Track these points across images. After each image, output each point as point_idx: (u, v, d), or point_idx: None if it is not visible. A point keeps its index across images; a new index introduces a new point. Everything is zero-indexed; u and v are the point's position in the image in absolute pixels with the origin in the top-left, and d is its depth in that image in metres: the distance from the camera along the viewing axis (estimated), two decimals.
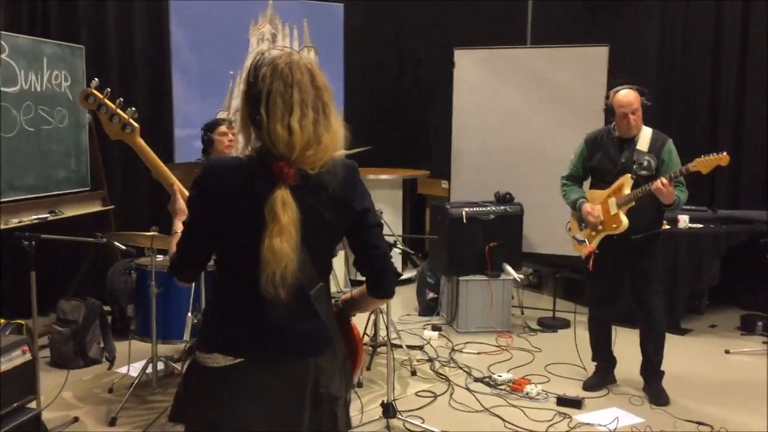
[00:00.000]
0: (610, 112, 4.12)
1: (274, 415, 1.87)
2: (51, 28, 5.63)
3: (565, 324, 5.61)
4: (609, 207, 4.05)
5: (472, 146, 6.01)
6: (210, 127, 4.54)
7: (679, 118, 6.33)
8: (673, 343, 5.15)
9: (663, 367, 4.23)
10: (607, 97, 4.13)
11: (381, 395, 4.17)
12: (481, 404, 4.06)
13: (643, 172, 3.98)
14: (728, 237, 5.57)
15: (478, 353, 4.97)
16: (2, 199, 4.58)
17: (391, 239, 4.35)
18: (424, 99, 7.42)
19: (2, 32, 4.63)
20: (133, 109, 2.14)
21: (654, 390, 4.17)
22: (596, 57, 5.62)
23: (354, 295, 2.11)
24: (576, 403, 4.04)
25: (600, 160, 4.17)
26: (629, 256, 4.12)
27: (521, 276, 5.54)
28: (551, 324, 5.61)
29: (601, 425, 3.79)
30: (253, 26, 5.92)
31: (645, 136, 4.04)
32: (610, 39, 6.29)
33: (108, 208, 5.48)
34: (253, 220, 1.77)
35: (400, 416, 3.77)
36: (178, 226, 2.02)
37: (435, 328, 5.44)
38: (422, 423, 3.79)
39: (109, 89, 2.11)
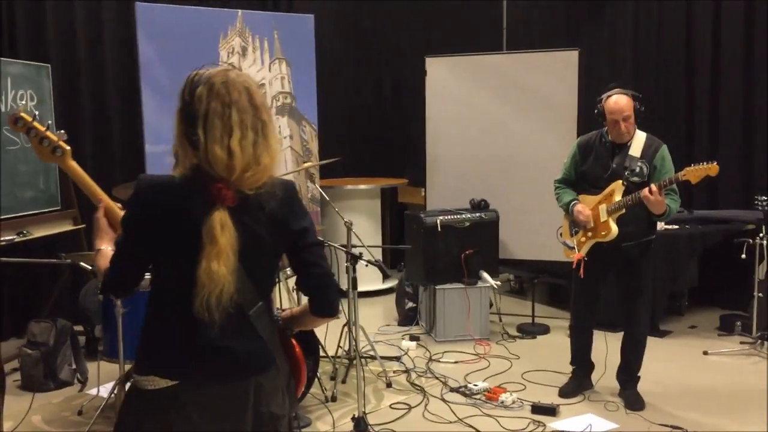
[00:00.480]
0: (600, 116, 3.98)
1: None
2: (19, 46, 5.60)
3: (544, 330, 5.60)
4: (599, 213, 3.97)
5: (447, 154, 5.99)
6: None
7: (654, 119, 6.32)
8: (651, 346, 5.06)
9: (640, 372, 4.19)
10: (599, 102, 3.98)
11: (354, 409, 4.13)
12: (455, 415, 4.02)
13: (635, 179, 3.88)
14: (704, 237, 5.57)
15: (455, 362, 4.93)
16: None
17: (358, 251, 4.34)
18: (401, 107, 7.39)
19: None
20: (62, 131, 2.12)
21: (629, 395, 4.14)
22: (568, 61, 5.61)
23: (295, 313, 2.08)
24: (550, 411, 4.01)
25: (591, 165, 4.08)
26: (619, 265, 4.07)
27: (498, 283, 5.50)
28: (530, 330, 5.58)
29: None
30: (223, 39, 5.87)
31: (638, 141, 3.94)
32: (587, 41, 6.31)
33: (79, 227, 5.42)
34: (189, 241, 1.74)
35: (371, 430, 3.72)
36: (99, 244, 2.00)
37: (413, 338, 5.40)
38: None
39: (36, 112, 2.09)
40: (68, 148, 2.10)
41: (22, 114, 2.08)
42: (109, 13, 6.01)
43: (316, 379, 4.24)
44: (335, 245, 4.01)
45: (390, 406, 4.18)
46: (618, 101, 3.85)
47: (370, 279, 6.61)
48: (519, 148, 5.78)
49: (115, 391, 3.96)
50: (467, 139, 5.91)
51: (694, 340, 5.36)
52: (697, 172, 3.63)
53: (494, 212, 5.64)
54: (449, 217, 5.48)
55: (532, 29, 7.17)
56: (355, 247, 4.50)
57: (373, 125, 7.70)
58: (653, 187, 3.67)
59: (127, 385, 2.32)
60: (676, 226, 5.58)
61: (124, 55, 5.96)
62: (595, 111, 3.99)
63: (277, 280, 2.01)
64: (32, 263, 4.16)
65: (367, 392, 4.41)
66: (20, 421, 3.83)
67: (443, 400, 4.24)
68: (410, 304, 5.87)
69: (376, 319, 6.03)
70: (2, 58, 4.98)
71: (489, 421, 3.93)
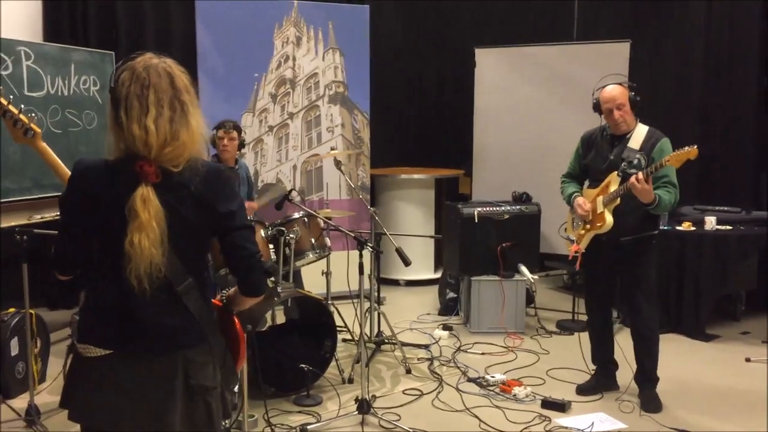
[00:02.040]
0: (597, 109, 4.00)
1: (143, 406, 1.96)
2: (90, 36, 6.00)
3: (583, 327, 5.45)
4: (596, 206, 3.95)
5: (494, 145, 5.97)
6: (216, 127, 4.68)
7: (725, 114, 6.09)
8: (694, 349, 5.03)
9: (675, 373, 4.15)
10: (594, 95, 3.99)
11: (372, 390, 4.23)
12: (463, 404, 4.04)
13: (632, 170, 3.79)
14: (757, 239, 5.30)
15: (482, 354, 4.94)
16: (30, 197, 4.90)
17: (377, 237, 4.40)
18: (455, 98, 7.35)
19: (28, 41, 4.96)
20: (33, 115, 2.29)
21: (646, 396, 4.04)
22: (618, 52, 5.46)
23: (230, 294, 2.19)
24: (560, 407, 3.97)
25: (593, 158, 4.07)
26: (620, 261, 4.01)
27: (535, 277, 5.45)
28: (569, 327, 5.49)
29: (577, 429, 3.71)
30: (278, 29, 6.06)
31: (639, 133, 3.90)
32: (651, 32, 6.08)
33: None
34: (117, 218, 1.87)
35: (374, 413, 3.80)
36: None
37: (446, 327, 5.42)
38: (397, 420, 3.81)
39: (11, 96, 2.27)
40: (39, 130, 2.27)
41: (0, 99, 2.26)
42: (174, 5, 6.31)
43: (334, 361, 4.37)
44: (347, 231, 4.08)
45: (403, 392, 4.25)
46: (611, 90, 3.86)
47: (421, 268, 6.69)
48: (566, 141, 5.64)
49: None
50: (514, 130, 5.87)
51: (742, 346, 5.13)
52: (678, 157, 3.54)
53: (536, 206, 5.58)
54: (488, 208, 5.46)
55: (598, 21, 6.98)
56: (390, 235, 4.56)
57: (427, 115, 7.69)
58: (639, 174, 3.61)
59: None
60: (729, 227, 5.35)
61: (184, 45, 6.21)
62: (593, 104, 3.98)
63: (211, 260, 2.08)
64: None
65: (385, 377, 4.51)
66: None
67: (457, 389, 4.27)
68: (451, 295, 5.89)
69: (418, 308, 6.09)
70: (67, 46, 5.35)
71: (496, 413, 3.93)
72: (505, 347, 5.05)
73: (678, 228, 5.42)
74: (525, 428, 3.73)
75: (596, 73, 5.49)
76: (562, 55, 5.71)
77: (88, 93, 5.42)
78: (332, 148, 6.14)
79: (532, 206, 5.57)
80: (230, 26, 5.85)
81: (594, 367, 4.32)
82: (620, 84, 3.93)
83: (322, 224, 4.57)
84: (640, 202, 3.74)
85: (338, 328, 4.64)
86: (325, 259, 4.72)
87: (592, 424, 3.73)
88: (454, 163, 7.13)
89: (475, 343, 5.14)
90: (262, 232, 4.18)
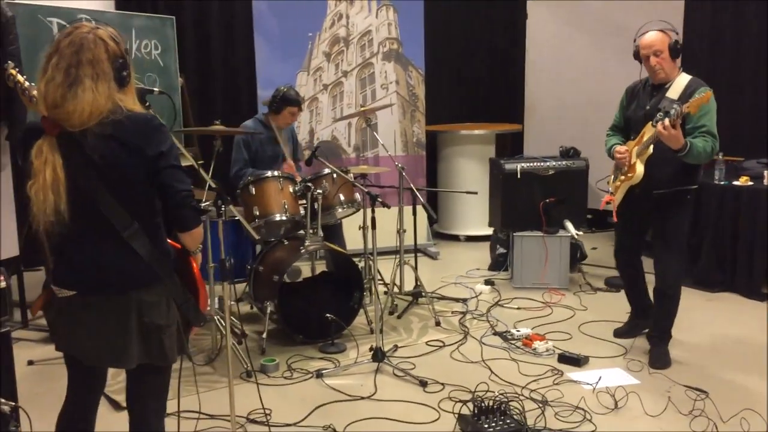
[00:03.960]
0: (637, 57, 3.92)
1: (102, 341, 2.22)
2: (158, 1, 6.32)
3: None
4: (631, 156, 3.90)
5: (546, 99, 5.88)
6: (287, 101, 4.82)
7: None
8: (745, 309, 4.85)
9: (718, 329, 4.30)
10: (635, 42, 3.91)
11: (396, 340, 4.39)
12: (480, 356, 4.13)
13: (668, 121, 3.64)
14: None
15: (518, 308, 4.97)
16: None
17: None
18: (510, 52, 7.22)
19: (90, 9, 5.31)
20: (32, 84, 2.54)
21: (654, 353, 4.01)
22: (672, 7, 5.21)
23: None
24: (576, 361, 3.98)
25: (634, 109, 4.02)
26: (652, 214, 3.95)
27: (580, 233, 5.39)
28: (617, 284, 5.37)
29: (586, 382, 3.72)
30: None
31: (679, 83, 3.79)
32: None
33: (199, 162, 6.07)
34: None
35: (388, 361, 3.96)
36: None
37: (488, 282, 5.48)
38: (411, 369, 3.95)
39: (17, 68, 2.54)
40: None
41: (10, 70, 2.53)
42: None
43: (363, 311, 4.54)
44: (360, 186, 4.19)
45: (426, 343, 4.37)
46: (649, 36, 3.78)
47: (482, 224, 6.71)
48: (618, 95, 5.48)
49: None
50: (566, 84, 5.77)
51: None
52: (695, 102, 3.50)
53: (584, 161, 5.48)
54: (532, 164, 5.42)
55: None
56: (416, 190, 4.66)
57: (482, 70, 7.58)
58: (666, 121, 3.50)
59: None
60: None
61: (243, 8, 6.41)
62: (633, 52, 3.90)
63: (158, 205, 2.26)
64: None
65: (414, 328, 4.65)
66: None
67: (481, 342, 4.35)
68: (501, 250, 5.91)
69: (471, 263, 6.16)
70: (127, 12, 5.69)
71: (510, 365, 3.99)
72: (543, 302, 5.06)
73: (735, 183, 5.20)
74: (533, 381, 3.77)
75: (651, 26, 5.33)
76: (616, 6, 5.50)
77: (149, 56, 5.75)
78: (390, 104, 6.22)
79: (580, 161, 5.48)
80: None
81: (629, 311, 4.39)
82: (661, 30, 3.80)
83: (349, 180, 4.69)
84: (674, 154, 3.64)
85: (375, 281, 4.85)
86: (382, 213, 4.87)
87: (600, 378, 3.72)
88: (512, 117, 7.05)
89: (515, 298, 5.18)
90: (291, 188, 4.37)
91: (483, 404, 3.24)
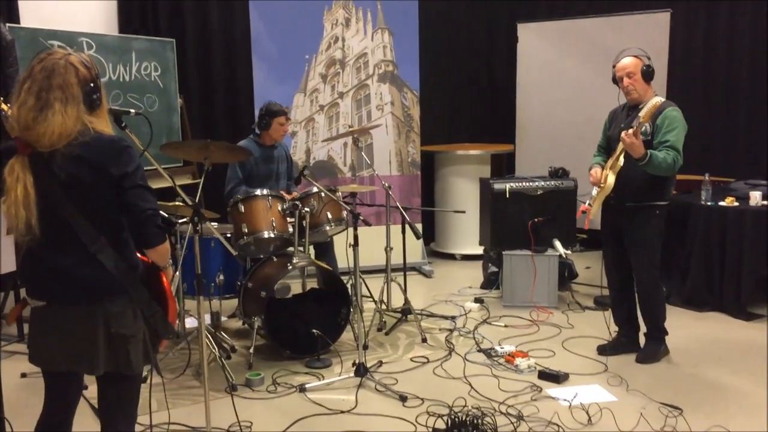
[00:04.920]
0: (614, 80, 4.23)
1: (72, 349, 2.32)
2: (161, 24, 6.49)
3: None
4: (606, 171, 4.14)
5: (536, 120, 5.97)
6: (273, 114, 5.00)
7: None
8: (729, 327, 4.91)
9: (703, 348, 4.52)
10: (613, 66, 4.22)
11: (381, 356, 4.47)
12: (463, 372, 4.19)
13: (630, 130, 3.95)
14: None
15: (505, 326, 5.03)
16: None
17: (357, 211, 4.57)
18: (507, 73, 7.32)
19: (90, 33, 5.48)
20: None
21: (645, 349, 4.33)
22: (658, 23, 5.33)
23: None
24: (555, 378, 4.03)
25: (613, 129, 4.29)
26: (623, 224, 4.22)
27: (568, 252, 5.45)
28: (605, 302, 5.43)
29: (563, 399, 3.78)
30: (327, 12, 6.31)
31: (651, 103, 4.00)
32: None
33: (197, 181, 6.21)
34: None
35: (370, 377, 4.03)
36: None
37: (477, 300, 5.54)
38: (393, 384, 4.02)
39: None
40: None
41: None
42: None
43: (350, 327, 4.62)
44: (344, 204, 4.29)
45: (411, 359, 4.44)
46: (623, 60, 4.11)
47: (473, 242, 6.78)
48: (606, 116, 5.60)
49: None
50: (556, 105, 5.86)
51: None
52: (647, 112, 3.87)
53: (573, 181, 5.56)
54: (521, 183, 5.50)
55: None
56: (406, 209, 4.76)
57: (476, 91, 7.68)
58: (629, 130, 3.82)
59: None
60: None
61: (243, 31, 6.57)
62: (612, 77, 4.21)
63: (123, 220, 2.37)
64: None
65: (400, 345, 4.72)
66: None
67: (465, 358, 4.41)
68: (492, 269, 5.98)
69: (463, 281, 6.23)
70: (127, 35, 5.86)
71: (491, 382, 4.05)
72: (530, 320, 5.12)
73: (720, 203, 5.25)
74: (512, 396, 3.83)
75: (636, 44, 5.42)
76: (603, 28, 5.62)
77: (149, 78, 5.92)
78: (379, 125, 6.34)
79: (569, 181, 5.56)
80: (281, 11, 6.16)
81: (616, 329, 4.53)
82: (635, 56, 4.12)
83: (338, 199, 4.80)
84: (642, 170, 3.93)
85: (364, 298, 4.94)
86: (385, 233, 5.02)
87: (576, 394, 3.78)
88: (506, 138, 7.14)
89: (503, 316, 5.24)
90: (279, 206, 4.48)
91: (457, 419, 3.31)
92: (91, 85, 2.28)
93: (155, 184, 5.56)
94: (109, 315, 2.31)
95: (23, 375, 4.08)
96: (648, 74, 4.07)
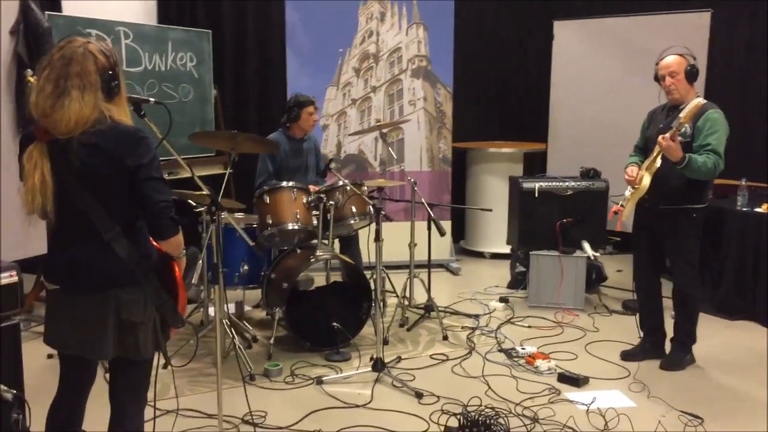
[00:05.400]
0: (656, 78, 4.11)
1: (82, 333, 2.36)
2: (198, 16, 6.55)
3: None
4: (641, 171, 4.06)
5: (570, 120, 5.90)
6: (301, 104, 5.04)
7: None
8: (760, 336, 4.87)
9: (731, 357, 4.41)
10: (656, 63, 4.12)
11: (401, 352, 4.46)
12: (482, 371, 4.16)
13: (679, 138, 3.86)
14: None
15: (528, 327, 4.98)
16: None
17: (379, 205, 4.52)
18: (537, 72, 7.23)
19: (128, 22, 5.55)
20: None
21: (671, 356, 4.25)
22: (698, 23, 5.20)
23: None
24: (575, 381, 3.98)
25: (651, 129, 4.20)
26: (662, 229, 4.12)
27: (596, 254, 5.37)
28: (633, 307, 5.33)
29: (581, 403, 3.72)
30: (362, 6, 6.30)
31: (693, 104, 3.89)
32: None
33: (228, 171, 6.26)
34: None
35: (387, 372, 4.02)
36: None
37: (502, 299, 5.50)
38: (410, 380, 4.01)
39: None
40: None
41: (29, 78, 2.71)
42: None
43: (370, 322, 4.62)
44: (367, 199, 4.27)
45: (430, 356, 4.43)
46: (667, 58, 4.00)
47: (503, 241, 6.73)
48: (643, 116, 5.48)
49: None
50: (591, 105, 5.77)
51: None
52: (687, 113, 3.75)
53: (604, 182, 5.47)
54: (551, 183, 5.44)
55: None
56: (431, 205, 4.74)
57: (510, 89, 7.59)
58: (666, 134, 3.73)
59: None
60: None
61: (278, 23, 6.59)
62: (654, 75, 4.10)
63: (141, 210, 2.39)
64: None
65: (421, 341, 4.71)
66: None
67: (485, 358, 4.38)
68: (520, 269, 5.92)
69: (490, 279, 6.19)
70: (164, 26, 5.93)
71: (509, 382, 4.02)
72: (555, 322, 5.06)
73: (756, 210, 5.12)
74: (529, 398, 3.79)
75: (676, 44, 5.32)
76: (641, 27, 5.51)
77: (184, 68, 5.98)
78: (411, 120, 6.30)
79: (600, 182, 5.47)
80: (316, 4, 6.18)
81: (641, 334, 4.46)
82: (680, 54, 3.99)
83: (364, 193, 4.80)
84: (675, 167, 3.84)
85: (388, 293, 4.96)
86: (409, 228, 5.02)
87: (594, 399, 3.72)
88: (539, 137, 7.05)
89: (527, 316, 5.19)
90: (305, 198, 4.49)
91: (470, 418, 3.29)
92: (110, 72, 2.31)
93: (181, 174, 5.69)
94: (120, 302, 2.34)
95: (49, 356, 4.16)
96: (692, 74, 3.94)
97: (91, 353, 2.41)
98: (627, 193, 4.17)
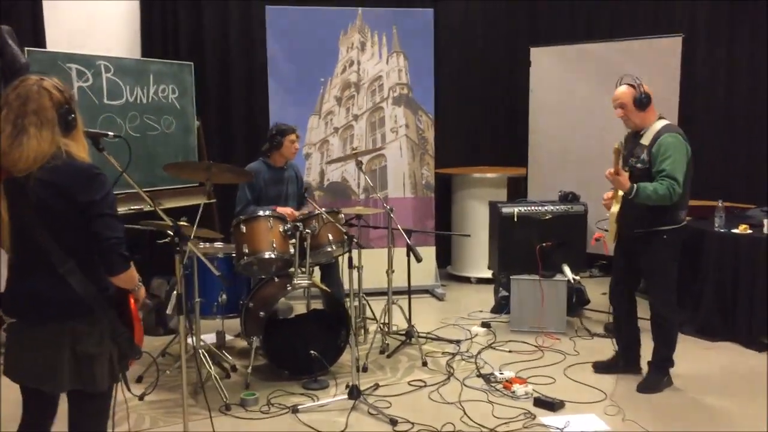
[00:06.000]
0: None
1: (39, 365, 2.38)
2: (180, 47, 6.65)
3: None
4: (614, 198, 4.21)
5: (549, 144, 5.95)
6: (283, 132, 5.11)
7: None
8: (740, 357, 4.80)
9: (709, 379, 4.42)
10: None
11: (379, 379, 4.46)
12: (458, 397, 4.16)
13: (639, 165, 4.05)
14: None
15: (509, 351, 4.98)
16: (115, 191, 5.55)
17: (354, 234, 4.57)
18: (515, 98, 7.30)
19: (108, 56, 5.63)
20: None
21: (648, 378, 4.27)
22: (670, 48, 5.28)
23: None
24: (550, 405, 3.98)
25: (626, 153, 4.28)
26: (633, 249, 4.21)
27: (576, 278, 5.39)
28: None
29: (556, 427, 3.72)
30: (343, 36, 6.39)
31: (652, 130, 4.08)
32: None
33: (211, 201, 6.32)
34: None
35: (363, 399, 4.02)
36: None
37: (484, 324, 5.50)
38: (387, 408, 4.01)
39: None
40: None
41: None
42: (257, 17, 6.80)
43: (349, 349, 4.61)
44: (340, 227, 4.30)
45: (408, 382, 4.42)
46: (616, 91, 4.14)
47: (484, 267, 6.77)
48: (617, 140, 5.56)
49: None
50: (569, 129, 5.83)
51: None
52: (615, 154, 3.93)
53: (583, 205, 5.50)
54: (529, 208, 5.47)
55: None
56: (405, 231, 4.77)
57: (491, 115, 7.64)
58: (611, 169, 3.93)
59: None
60: None
61: (250, 53, 6.70)
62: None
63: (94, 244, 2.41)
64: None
65: (401, 367, 4.71)
66: None
67: (462, 383, 4.38)
68: (503, 293, 5.94)
69: (474, 305, 6.19)
70: (145, 59, 6.00)
71: (485, 407, 4.01)
72: (535, 346, 5.06)
73: (734, 231, 5.15)
74: (503, 424, 3.79)
75: (649, 68, 5.40)
76: (617, 52, 5.58)
77: (166, 100, 6.04)
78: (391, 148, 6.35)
79: (579, 206, 5.51)
80: (297, 34, 6.26)
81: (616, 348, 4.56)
82: (630, 84, 4.11)
83: (342, 220, 4.84)
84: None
85: (369, 320, 4.96)
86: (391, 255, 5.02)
87: (567, 423, 3.72)
88: (522, 161, 7.10)
89: (509, 341, 5.19)
90: (281, 227, 4.52)
91: None
92: (66, 107, 2.36)
93: (168, 203, 5.73)
94: (76, 334, 2.36)
95: None
96: (641, 102, 4.03)
97: (45, 386, 2.42)
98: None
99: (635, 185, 3.90)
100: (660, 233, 4.06)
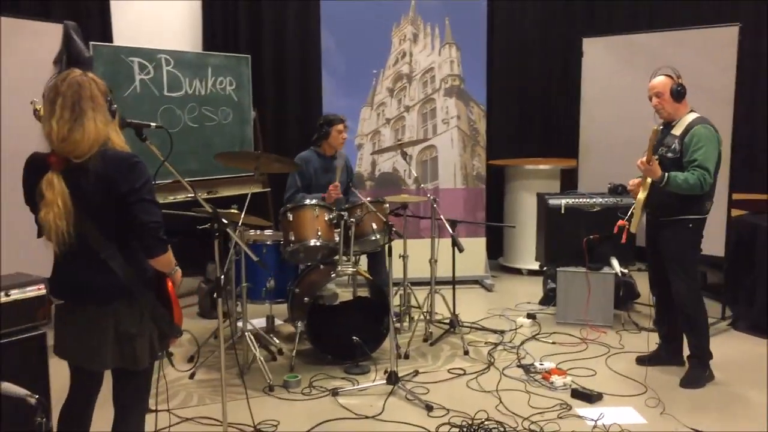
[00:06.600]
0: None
1: (84, 345, 2.56)
2: (240, 41, 6.86)
3: None
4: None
5: (599, 136, 5.89)
6: (330, 122, 5.25)
7: None
8: None
9: (757, 377, 4.34)
10: None
11: (419, 366, 4.55)
12: (496, 386, 4.21)
13: (669, 155, 4.12)
14: None
15: (553, 343, 4.99)
16: (164, 181, 5.77)
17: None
18: (569, 89, 7.21)
19: (169, 50, 5.85)
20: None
21: (689, 374, 4.25)
22: (726, 38, 5.15)
23: None
24: (587, 397, 3.99)
25: (655, 145, 4.28)
26: (659, 237, 4.27)
27: (624, 270, 5.34)
28: None
29: (590, 418, 3.73)
30: (396, 28, 6.46)
31: (684, 121, 4.16)
32: None
33: (266, 190, 6.50)
34: (38, 199, 2.46)
35: (401, 385, 4.12)
36: None
37: (530, 316, 5.51)
38: (424, 394, 4.09)
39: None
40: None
41: (36, 106, 2.91)
42: (314, 10, 6.93)
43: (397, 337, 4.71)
44: (382, 216, 4.38)
45: (448, 370, 4.49)
46: (654, 80, 4.19)
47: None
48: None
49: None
50: (620, 121, 5.75)
51: None
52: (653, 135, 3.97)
53: (632, 198, 5.42)
54: (577, 200, 5.44)
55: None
56: (449, 221, 4.82)
57: (547, 106, 7.60)
58: (643, 158, 3.99)
59: None
60: None
61: (306, 45, 6.85)
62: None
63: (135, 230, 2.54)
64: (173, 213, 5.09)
65: (442, 356, 4.78)
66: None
67: (502, 373, 4.42)
68: (551, 285, 5.92)
69: (523, 296, 6.20)
70: (204, 52, 6.21)
71: (522, 397, 4.05)
72: (580, 339, 5.05)
73: None
74: (539, 413, 3.82)
75: (704, 59, 5.29)
76: (670, 42, 5.47)
77: (224, 92, 6.24)
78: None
79: (629, 198, 5.42)
80: (351, 27, 6.37)
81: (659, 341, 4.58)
82: (667, 75, 4.16)
83: (386, 210, 4.92)
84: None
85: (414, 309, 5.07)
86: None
87: (602, 415, 3.72)
88: (574, 153, 7.03)
89: (553, 333, 5.19)
90: (326, 216, 4.64)
91: (471, 430, 3.35)
92: (109, 98, 2.52)
93: (225, 192, 5.93)
94: (119, 315, 2.52)
95: None
96: (678, 93, 4.10)
97: (91, 364, 2.60)
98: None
99: (666, 174, 3.96)
100: (686, 222, 4.12)
